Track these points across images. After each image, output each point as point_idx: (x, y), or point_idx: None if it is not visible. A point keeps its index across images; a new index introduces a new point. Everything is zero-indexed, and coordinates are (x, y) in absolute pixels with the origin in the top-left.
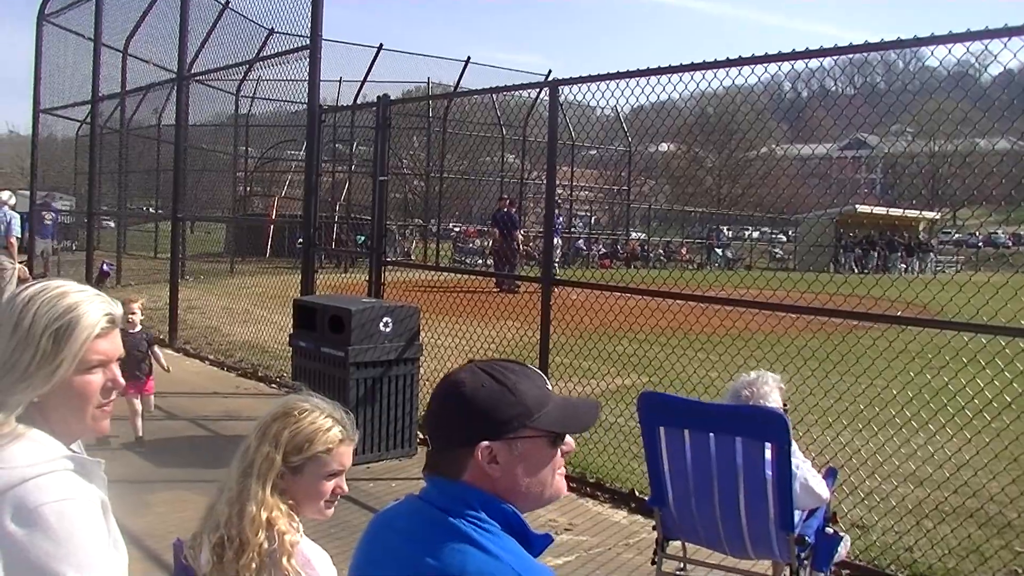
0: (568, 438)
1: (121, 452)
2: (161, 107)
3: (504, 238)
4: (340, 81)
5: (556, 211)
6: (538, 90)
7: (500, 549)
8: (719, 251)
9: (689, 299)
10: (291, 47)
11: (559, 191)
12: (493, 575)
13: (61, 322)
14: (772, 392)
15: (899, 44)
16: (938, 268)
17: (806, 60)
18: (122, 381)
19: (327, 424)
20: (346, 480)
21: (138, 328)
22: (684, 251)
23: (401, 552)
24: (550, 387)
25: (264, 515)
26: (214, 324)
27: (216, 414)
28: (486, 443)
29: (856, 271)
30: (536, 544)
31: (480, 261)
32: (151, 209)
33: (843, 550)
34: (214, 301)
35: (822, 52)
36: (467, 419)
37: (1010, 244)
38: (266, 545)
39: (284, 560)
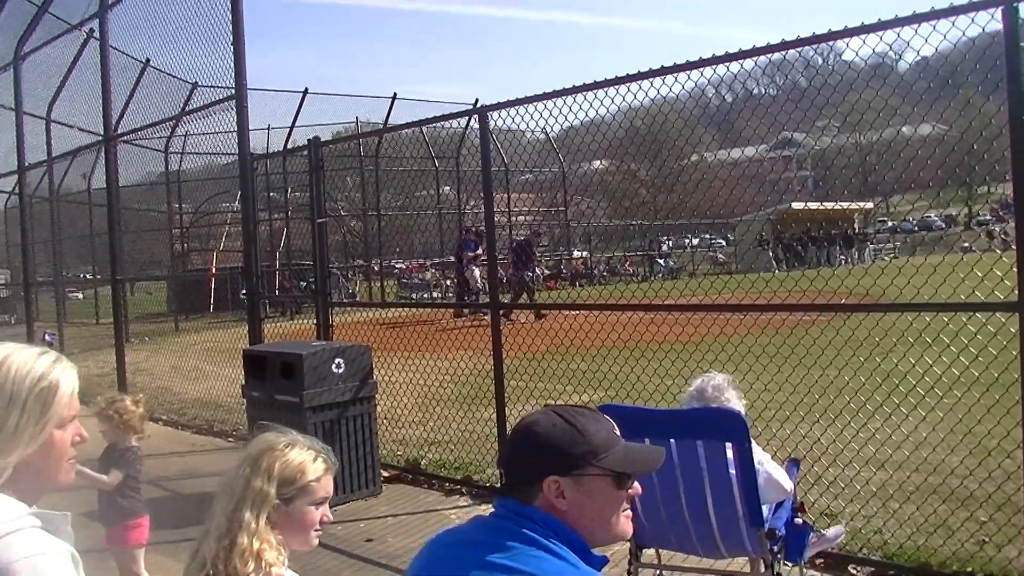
0: (636, 483)
1: (81, 520)
2: (90, 171)
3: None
4: (268, 129)
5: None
6: (467, 119)
7: (572, 558)
8: (661, 261)
9: (636, 309)
10: (216, 99)
11: (498, 217)
12: None
13: (44, 383)
14: (730, 391)
15: (816, 39)
16: (876, 256)
17: (727, 64)
18: (85, 433)
19: (311, 455)
20: None
21: (133, 445)
22: (627, 265)
23: (474, 557)
24: (617, 432)
25: (256, 545)
26: (164, 384)
27: (175, 474)
28: (554, 477)
29: (786, 269)
30: (596, 564)
31: (426, 295)
32: (88, 276)
33: (836, 540)
34: (162, 361)
35: (742, 54)
36: (538, 455)
37: (944, 226)
38: None
39: None
